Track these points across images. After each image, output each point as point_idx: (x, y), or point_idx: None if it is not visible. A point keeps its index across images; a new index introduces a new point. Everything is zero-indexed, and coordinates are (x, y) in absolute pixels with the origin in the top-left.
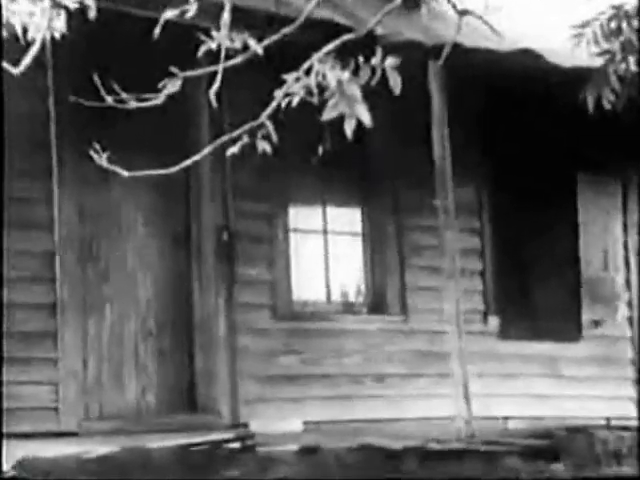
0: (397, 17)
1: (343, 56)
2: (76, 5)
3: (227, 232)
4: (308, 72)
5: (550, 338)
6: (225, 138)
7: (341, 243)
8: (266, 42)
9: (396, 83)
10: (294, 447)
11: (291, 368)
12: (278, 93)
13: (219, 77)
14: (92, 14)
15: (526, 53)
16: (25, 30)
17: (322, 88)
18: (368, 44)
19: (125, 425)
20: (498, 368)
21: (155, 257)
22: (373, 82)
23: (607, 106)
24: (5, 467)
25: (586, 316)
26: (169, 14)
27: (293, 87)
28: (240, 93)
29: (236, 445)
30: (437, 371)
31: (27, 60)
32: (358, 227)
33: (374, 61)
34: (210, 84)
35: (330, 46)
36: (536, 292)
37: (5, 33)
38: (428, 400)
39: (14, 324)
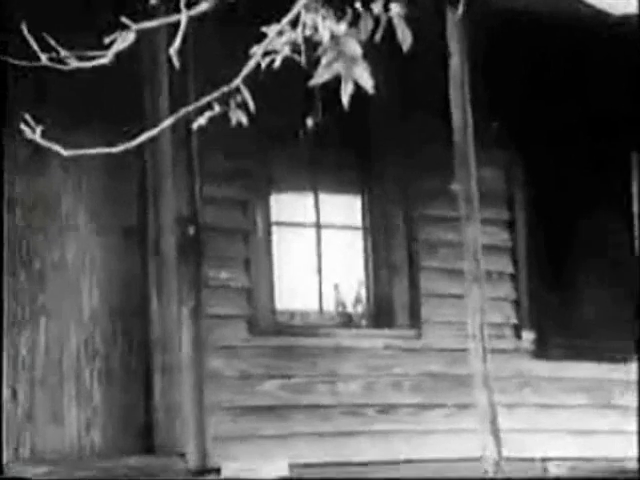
0: None
1: (338, 3)
2: None
3: (193, 225)
4: (294, 24)
5: (599, 358)
6: (190, 107)
7: (336, 239)
8: None
9: (405, 37)
10: None
11: (274, 397)
12: (257, 50)
13: (182, 30)
14: None
15: None
16: None
17: (312, 44)
18: None
19: (63, 469)
20: (534, 396)
21: (102, 257)
22: (376, 36)
23: None
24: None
25: None
26: None
27: (275, 43)
28: (209, 51)
29: None
30: (457, 400)
31: None
32: (358, 219)
33: (377, 9)
34: (171, 39)
35: None
36: (581, 301)
37: None
38: (446, 437)
39: None
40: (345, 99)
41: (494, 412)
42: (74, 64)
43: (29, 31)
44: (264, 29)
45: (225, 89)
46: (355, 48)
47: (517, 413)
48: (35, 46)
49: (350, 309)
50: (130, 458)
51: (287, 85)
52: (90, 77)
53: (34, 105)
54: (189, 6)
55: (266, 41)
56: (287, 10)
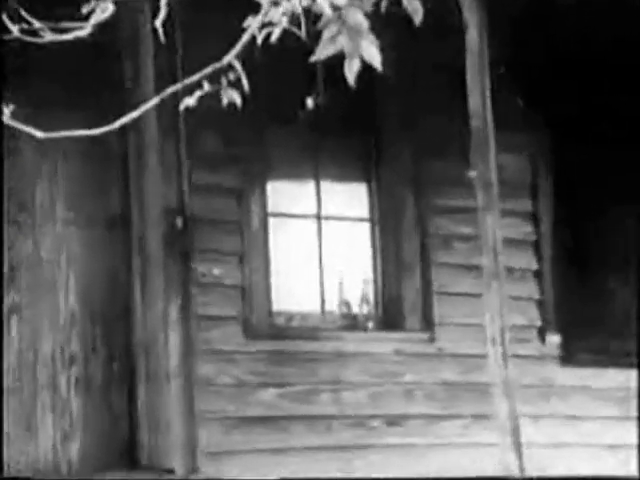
0: None
1: None
2: None
3: (181, 217)
4: None
5: (631, 364)
6: (178, 86)
7: (340, 232)
8: None
9: (416, 9)
10: None
11: (270, 407)
12: (251, 22)
13: None
14: None
15: None
16: None
17: (313, 16)
18: None
19: None
20: (560, 406)
21: (81, 252)
22: (383, 7)
23: None
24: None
25: None
26: None
27: (272, 14)
28: (198, 22)
29: None
30: (475, 411)
31: None
32: (364, 210)
33: None
34: (156, 10)
35: None
36: (614, 300)
37: None
38: (463, 452)
39: None
40: (350, 77)
41: (516, 424)
42: (49, 37)
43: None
44: None
45: (217, 65)
46: (360, 20)
47: (541, 425)
48: (4, 17)
49: (355, 310)
50: (111, 474)
51: (285, 61)
52: (67, 52)
53: (2, 82)
54: None
55: (261, 12)
56: None
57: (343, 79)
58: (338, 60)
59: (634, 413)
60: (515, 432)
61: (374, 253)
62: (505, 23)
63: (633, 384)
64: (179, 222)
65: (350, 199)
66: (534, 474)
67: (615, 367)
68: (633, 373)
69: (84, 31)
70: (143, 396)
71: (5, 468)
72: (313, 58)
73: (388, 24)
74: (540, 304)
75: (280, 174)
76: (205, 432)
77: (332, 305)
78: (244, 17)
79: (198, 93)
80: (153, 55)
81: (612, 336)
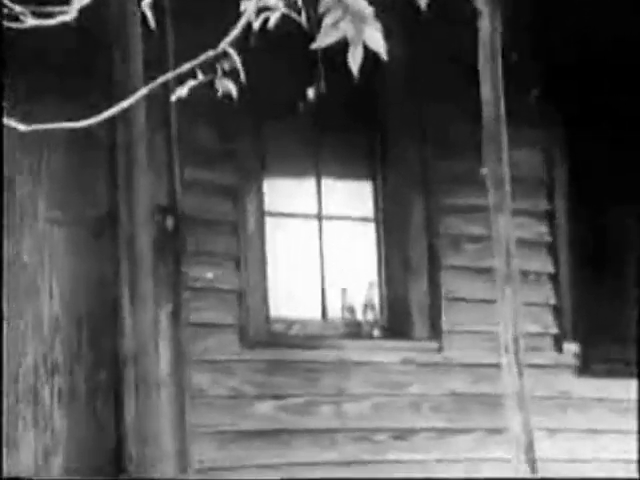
0: None
1: None
2: None
3: (172, 216)
4: None
5: None
6: (169, 75)
7: (343, 233)
8: None
9: None
10: None
11: (269, 420)
12: (247, 6)
13: None
14: None
15: None
16: None
17: (313, 0)
18: None
19: None
20: (577, 419)
21: (65, 254)
22: None
23: None
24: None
25: None
26: None
27: None
28: (190, 8)
29: None
30: (487, 424)
31: None
32: (368, 209)
33: None
34: None
35: None
36: (634, 307)
37: None
38: (474, 467)
39: None
40: (354, 66)
41: (530, 438)
42: (32, 22)
43: None
44: None
45: (211, 53)
46: (364, 5)
47: (558, 439)
48: None
49: (359, 316)
50: None
51: (285, 50)
52: (52, 40)
53: None
54: None
55: None
56: None
57: (346, 69)
58: (341, 48)
59: None
60: (529, 447)
61: (379, 255)
62: (519, 8)
63: None
64: (170, 222)
65: (353, 198)
66: None
67: (636, 378)
68: None
69: (68, 15)
70: (131, 408)
71: None
72: (314, 46)
73: (395, 11)
74: (556, 310)
75: (279, 170)
76: (198, 446)
77: (334, 311)
78: (239, 2)
79: (191, 83)
80: (142, 41)
81: (633, 345)
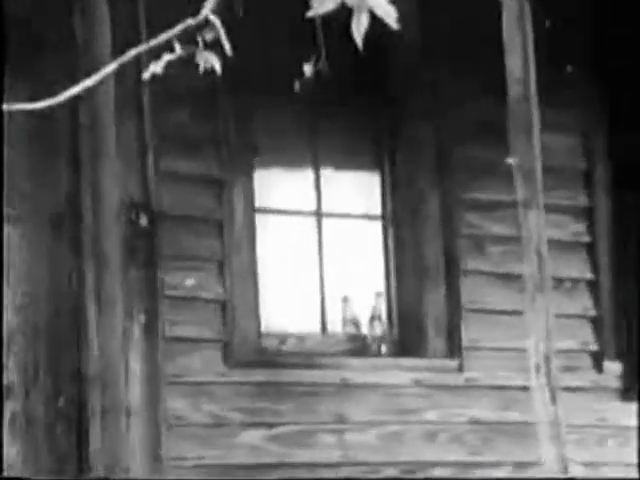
0: None
1: None
2: None
3: (145, 213)
4: None
5: None
6: (141, 48)
7: (346, 233)
8: None
9: None
10: None
11: (258, 451)
12: None
13: None
14: None
15: None
16: None
17: None
18: None
19: None
20: (620, 452)
21: (21, 256)
22: None
23: None
24: None
25: None
26: None
27: None
28: None
29: None
30: (515, 457)
31: None
32: (376, 205)
33: None
34: None
35: None
36: None
37: None
38: None
39: None
40: (358, 37)
41: (566, 474)
42: None
43: None
44: None
45: (190, 22)
46: None
47: (598, 474)
48: None
49: (364, 330)
50: None
51: (277, 18)
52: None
53: None
54: None
55: None
56: None
57: (349, 40)
58: (343, 16)
59: None
60: None
61: (387, 259)
62: None
63: None
64: (143, 219)
65: (358, 192)
66: None
67: None
68: None
69: None
70: (96, 436)
71: None
72: (310, 13)
73: None
74: (595, 323)
75: (270, 160)
76: None
77: (335, 324)
78: None
79: (167, 57)
80: (109, 8)
81: None
